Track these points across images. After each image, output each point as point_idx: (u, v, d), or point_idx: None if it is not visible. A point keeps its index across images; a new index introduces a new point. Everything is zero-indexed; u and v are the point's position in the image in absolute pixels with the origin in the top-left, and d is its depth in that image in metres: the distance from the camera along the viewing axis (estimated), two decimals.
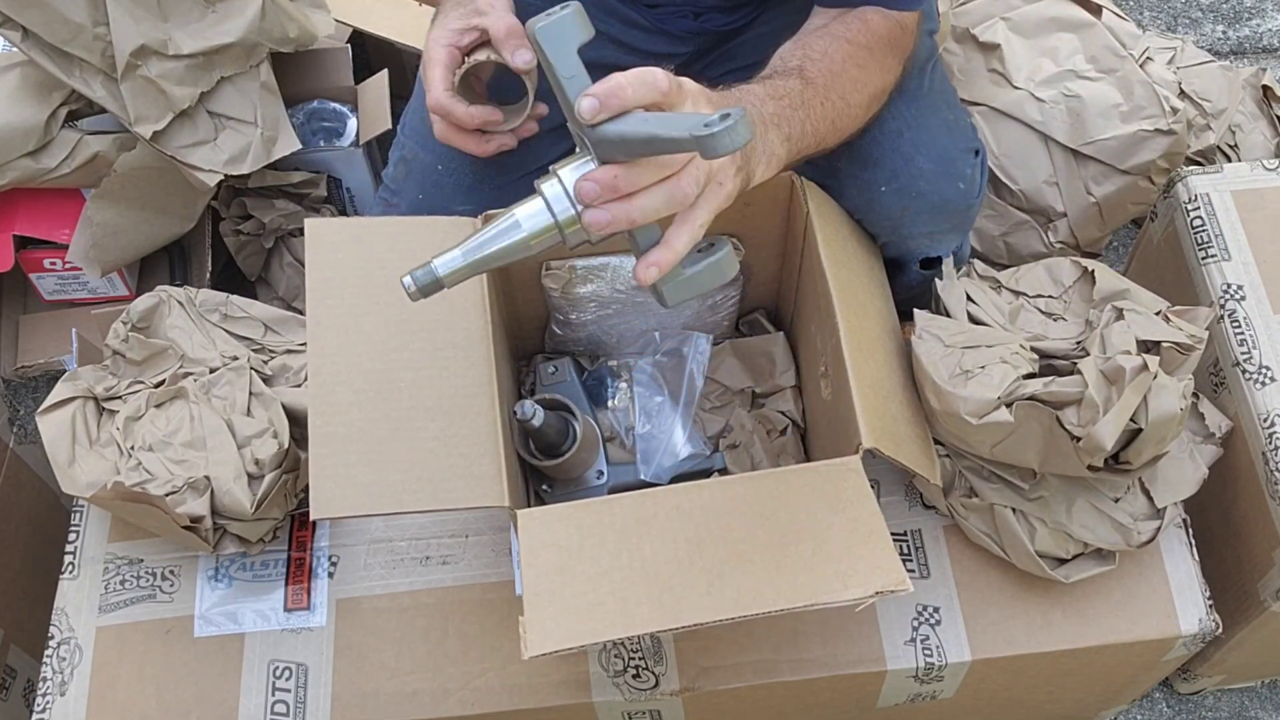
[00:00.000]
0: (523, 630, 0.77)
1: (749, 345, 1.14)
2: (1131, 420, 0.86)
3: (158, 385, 1.03)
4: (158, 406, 1.01)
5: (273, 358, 1.05)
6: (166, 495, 0.93)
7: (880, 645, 0.98)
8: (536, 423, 0.94)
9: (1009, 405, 0.87)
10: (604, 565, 0.81)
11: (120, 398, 1.02)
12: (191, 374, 1.02)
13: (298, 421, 0.99)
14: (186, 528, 0.95)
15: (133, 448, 0.98)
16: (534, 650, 0.76)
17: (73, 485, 0.97)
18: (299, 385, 1.03)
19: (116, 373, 1.05)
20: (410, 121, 1.07)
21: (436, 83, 0.92)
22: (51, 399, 1.01)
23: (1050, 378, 0.89)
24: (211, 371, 1.02)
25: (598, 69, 1.07)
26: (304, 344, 1.05)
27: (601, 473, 1.05)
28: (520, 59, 0.89)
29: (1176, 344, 0.90)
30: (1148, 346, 0.90)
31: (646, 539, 0.82)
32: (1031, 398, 0.87)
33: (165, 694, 0.96)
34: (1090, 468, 0.89)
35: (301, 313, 1.03)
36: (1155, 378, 0.86)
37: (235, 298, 1.08)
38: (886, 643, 0.98)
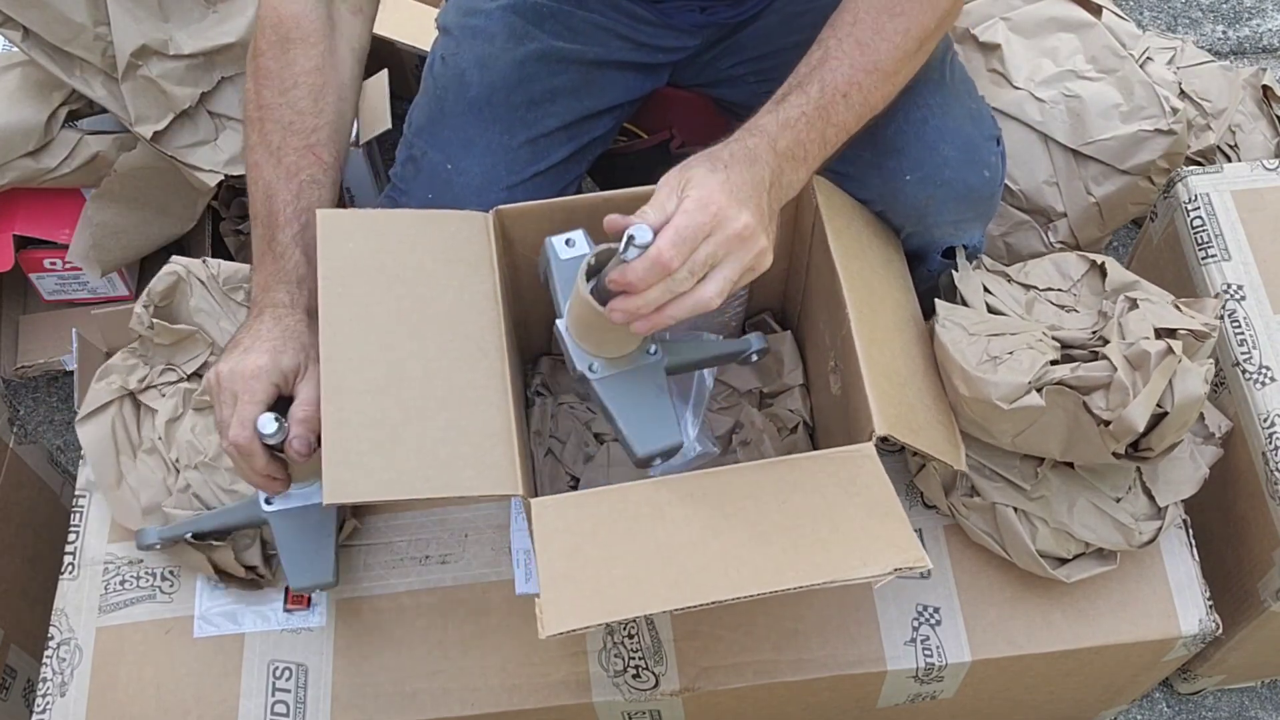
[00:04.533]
0: (539, 610, 0.76)
1: None
2: (1157, 405, 0.87)
3: (192, 375, 1.01)
4: (197, 410, 0.99)
5: None
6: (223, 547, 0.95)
7: (880, 645, 0.98)
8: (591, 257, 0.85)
9: (1039, 390, 0.88)
10: (620, 549, 0.80)
11: (155, 387, 1.00)
12: None
13: None
14: (243, 578, 0.97)
15: (177, 460, 0.98)
16: (551, 629, 0.75)
17: (127, 515, 0.97)
18: None
19: (146, 358, 1.02)
20: (417, 120, 1.07)
21: (245, 419, 0.83)
22: (89, 405, 1.00)
23: (1076, 364, 0.90)
24: None
25: (607, 66, 1.08)
26: None
27: (655, 349, 0.91)
28: (302, 447, 0.83)
29: (1192, 331, 0.91)
30: (1163, 334, 0.91)
31: (662, 524, 0.81)
32: (1059, 383, 0.88)
33: (165, 694, 0.96)
34: (1113, 455, 0.89)
35: None
36: (1180, 361, 0.88)
37: None
38: (886, 643, 0.98)
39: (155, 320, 1.02)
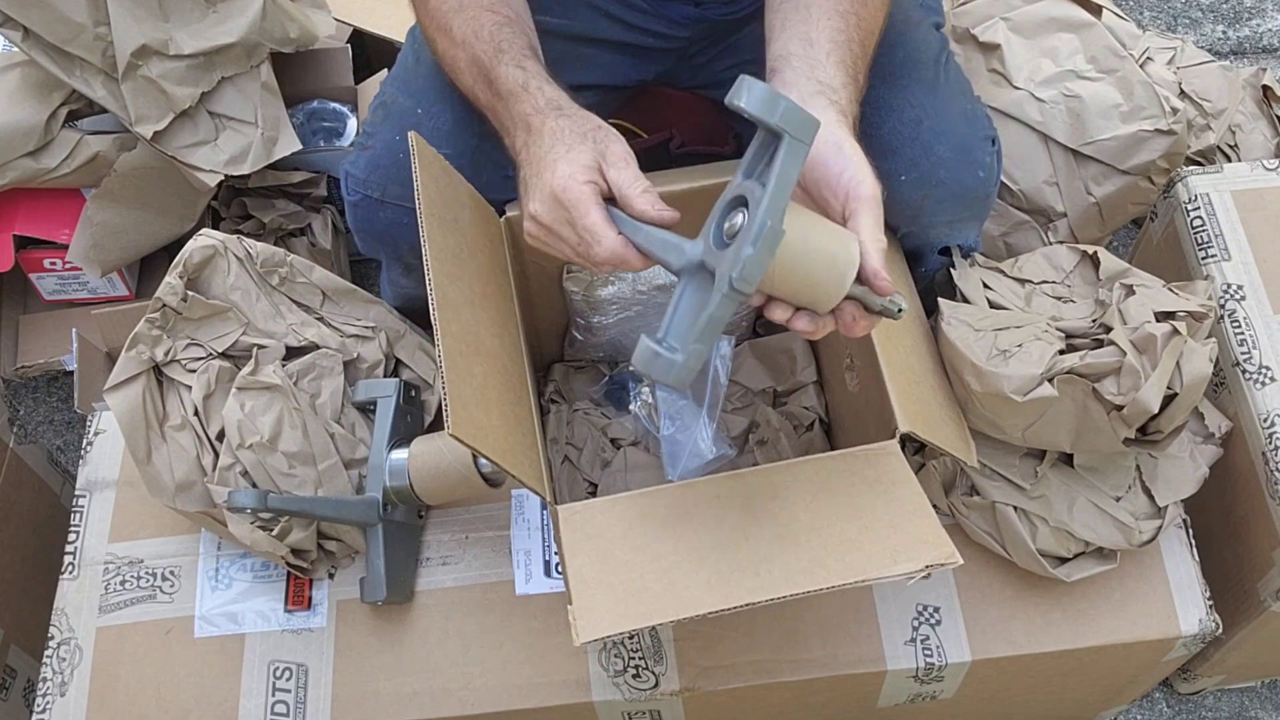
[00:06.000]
0: (572, 618, 0.76)
1: (768, 344, 1.14)
2: (1167, 386, 0.88)
3: (222, 353, 0.99)
4: (240, 389, 0.96)
5: (344, 338, 1.03)
6: (276, 527, 0.94)
7: (880, 645, 0.98)
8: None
9: (1050, 380, 0.88)
10: (649, 553, 0.80)
11: (179, 362, 0.97)
12: (259, 345, 0.99)
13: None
14: (292, 564, 0.96)
15: (217, 438, 0.95)
16: (584, 637, 0.75)
17: (160, 490, 0.94)
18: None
19: (168, 330, 0.98)
20: (392, 73, 1.06)
21: (604, 231, 0.77)
22: (117, 375, 0.95)
23: (1083, 352, 0.90)
24: (289, 351, 1.00)
25: (592, 43, 1.08)
26: (370, 326, 1.04)
27: None
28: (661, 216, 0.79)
29: (1190, 312, 0.92)
30: (1163, 317, 0.91)
31: (690, 527, 0.81)
32: (1070, 371, 0.88)
33: (165, 694, 0.96)
34: (1123, 441, 0.89)
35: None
36: (1185, 342, 0.88)
37: (295, 259, 1.04)
38: (886, 643, 0.98)
39: (189, 293, 0.98)
